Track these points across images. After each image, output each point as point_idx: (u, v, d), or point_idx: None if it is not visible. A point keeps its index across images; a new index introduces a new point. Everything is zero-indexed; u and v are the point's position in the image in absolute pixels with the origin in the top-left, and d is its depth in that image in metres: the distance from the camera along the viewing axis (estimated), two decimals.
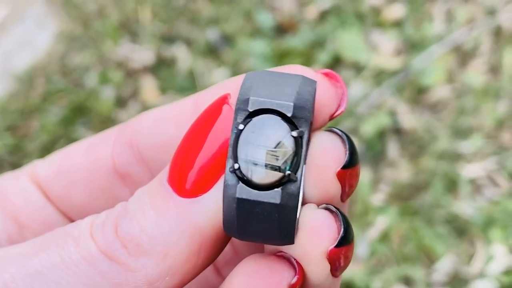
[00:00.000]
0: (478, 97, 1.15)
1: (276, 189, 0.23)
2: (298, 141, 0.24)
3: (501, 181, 1.08)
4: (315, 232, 0.25)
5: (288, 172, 0.23)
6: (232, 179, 0.23)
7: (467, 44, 1.22)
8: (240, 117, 0.24)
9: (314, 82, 0.25)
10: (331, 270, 0.25)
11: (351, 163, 0.26)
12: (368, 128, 1.13)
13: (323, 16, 1.29)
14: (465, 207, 1.05)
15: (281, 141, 0.23)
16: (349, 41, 1.23)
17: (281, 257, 0.25)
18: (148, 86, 1.24)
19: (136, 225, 0.25)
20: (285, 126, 0.24)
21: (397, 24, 1.27)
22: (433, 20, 1.26)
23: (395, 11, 1.27)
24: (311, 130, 0.25)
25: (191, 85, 1.23)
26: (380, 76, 1.20)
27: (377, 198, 1.08)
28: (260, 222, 0.24)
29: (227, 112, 0.25)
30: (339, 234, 0.25)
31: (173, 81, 1.24)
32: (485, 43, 1.22)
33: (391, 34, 1.25)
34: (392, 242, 1.03)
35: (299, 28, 1.28)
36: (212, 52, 1.27)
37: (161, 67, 1.27)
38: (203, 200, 0.24)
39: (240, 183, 0.23)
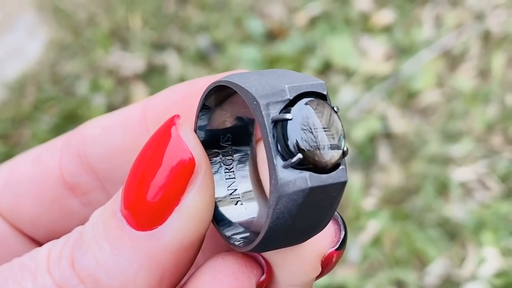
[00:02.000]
0: (468, 101, 1.16)
1: (340, 167, 0.22)
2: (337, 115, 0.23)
3: (492, 184, 1.09)
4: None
5: (345, 147, 0.23)
6: (288, 175, 0.22)
7: (456, 48, 1.23)
8: (275, 110, 0.22)
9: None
10: (320, 272, 0.25)
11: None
12: (359, 132, 1.13)
13: (313, 22, 1.30)
14: (456, 210, 1.05)
15: (330, 120, 0.23)
16: (339, 47, 1.24)
17: (248, 256, 0.25)
18: (139, 94, 1.24)
19: (92, 258, 0.24)
20: (327, 105, 0.23)
21: (387, 29, 1.27)
22: (422, 25, 1.27)
23: (384, 17, 1.28)
24: None
25: None
26: (370, 81, 1.20)
27: (369, 203, 1.08)
28: (319, 210, 0.23)
29: (176, 135, 0.23)
30: (339, 237, 0.25)
31: (164, 88, 1.24)
32: (473, 47, 1.22)
33: (380, 40, 1.26)
34: (384, 246, 1.04)
35: (289, 34, 1.28)
36: (202, 59, 1.28)
37: (152, 74, 1.27)
38: (159, 233, 0.23)
39: (308, 172, 0.22)
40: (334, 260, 0.25)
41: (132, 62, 1.28)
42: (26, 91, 1.27)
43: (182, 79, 1.24)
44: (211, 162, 0.27)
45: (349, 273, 1.02)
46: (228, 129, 0.27)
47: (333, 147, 0.22)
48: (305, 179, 0.22)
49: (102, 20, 1.34)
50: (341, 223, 0.25)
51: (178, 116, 0.24)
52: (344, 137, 0.23)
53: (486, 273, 1.00)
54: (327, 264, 0.25)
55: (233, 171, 0.27)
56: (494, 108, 1.15)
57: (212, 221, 0.25)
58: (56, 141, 0.32)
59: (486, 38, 1.23)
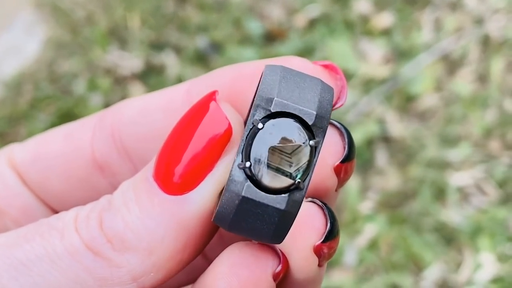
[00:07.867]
0: (466, 106, 1.16)
1: (283, 195, 0.23)
2: (313, 150, 0.23)
3: (489, 189, 1.08)
4: (303, 226, 0.25)
5: (298, 180, 0.23)
6: (239, 175, 0.23)
7: (455, 52, 1.22)
8: (259, 115, 0.23)
9: (332, 89, 0.25)
10: (318, 263, 0.25)
11: (349, 157, 0.26)
12: (357, 136, 1.13)
13: (312, 24, 1.30)
14: (453, 215, 1.05)
15: (298, 149, 0.23)
16: (337, 49, 1.24)
17: (266, 246, 0.25)
18: (137, 93, 1.24)
19: (120, 220, 0.24)
20: (304, 134, 0.23)
21: (386, 32, 1.27)
22: (422, 29, 1.27)
23: (384, 20, 1.28)
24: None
25: None
26: (368, 84, 1.20)
27: (366, 206, 1.08)
28: (257, 222, 0.23)
29: (214, 109, 0.24)
30: (326, 228, 0.25)
31: (162, 88, 1.24)
32: (473, 52, 1.22)
33: (379, 43, 1.25)
34: (381, 250, 1.03)
35: (288, 36, 1.28)
36: (201, 59, 1.27)
37: (149, 74, 1.27)
38: (189, 198, 0.24)
39: (249, 182, 0.23)
40: (327, 250, 0.25)
41: (130, 61, 1.27)
42: (23, 89, 1.27)
43: (180, 80, 1.23)
44: None
45: (345, 276, 1.01)
46: None
47: (284, 173, 0.23)
48: (242, 187, 0.23)
49: (100, 19, 1.33)
50: (327, 215, 0.25)
51: (217, 91, 0.25)
52: (305, 172, 0.23)
53: (482, 279, 1.00)
54: (320, 254, 0.25)
55: None
56: (492, 113, 1.15)
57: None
58: (89, 119, 0.32)
59: (485, 42, 1.23)
